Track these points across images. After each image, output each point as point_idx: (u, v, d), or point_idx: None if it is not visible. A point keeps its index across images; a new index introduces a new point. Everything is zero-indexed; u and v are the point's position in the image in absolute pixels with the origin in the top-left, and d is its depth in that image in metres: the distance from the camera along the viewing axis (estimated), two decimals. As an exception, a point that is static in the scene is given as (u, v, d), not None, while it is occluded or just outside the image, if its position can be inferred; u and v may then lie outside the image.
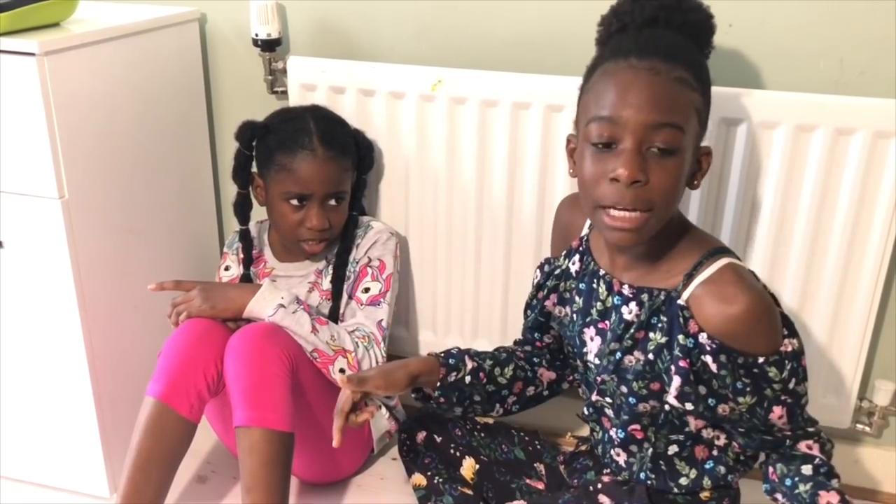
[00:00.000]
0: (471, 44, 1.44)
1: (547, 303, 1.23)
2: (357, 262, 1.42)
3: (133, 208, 1.43)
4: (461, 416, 1.34)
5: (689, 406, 1.05)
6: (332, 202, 1.37)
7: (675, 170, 0.98)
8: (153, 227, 1.49)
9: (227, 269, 1.49)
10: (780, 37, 1.29)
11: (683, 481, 1.14)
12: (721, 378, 1.02)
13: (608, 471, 1.21)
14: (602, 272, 1.13)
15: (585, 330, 1.15)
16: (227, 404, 1.23)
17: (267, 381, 1.20)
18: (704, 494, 1.15)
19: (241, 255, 1.47)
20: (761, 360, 1.00)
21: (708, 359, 1.01)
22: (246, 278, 1.45)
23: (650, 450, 1.14)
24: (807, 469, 1.07)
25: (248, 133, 1.39)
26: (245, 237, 1.47)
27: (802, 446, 1.08)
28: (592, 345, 1.15)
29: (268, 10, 1.46)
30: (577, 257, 1.18)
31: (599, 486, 1.17)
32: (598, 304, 1.13)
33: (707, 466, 1.14)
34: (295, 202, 1.36)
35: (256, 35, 1.48)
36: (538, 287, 1.24)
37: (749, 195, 1.32)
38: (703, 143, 1.05)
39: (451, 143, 1.42)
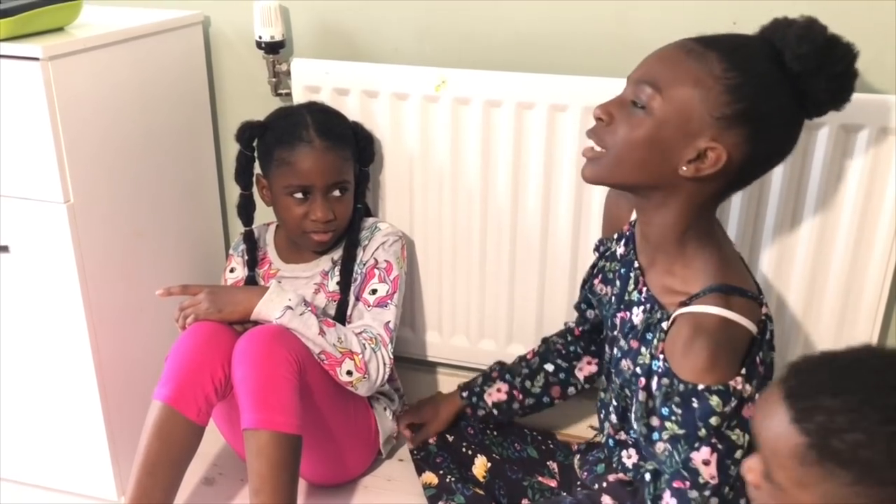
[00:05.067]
0: (474, 44, 1.44)
1: (595, 280, 1.26)
2: (364, 264, 1.42)
3: (138, 212, 1.43)
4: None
5: (634, 425, 1.05)
6: (336, 193, 1.38)
7: None
8: (158, 230, 1.49)
9: (232, 271, 1.49)
10: (785, 34, 1.29)
11: None
12: (654, 398, 1.00)
13: (615, 466, 1.20)
14: (637, 264, 1.13)
15: (618, 314, 1.15)
16: (235, 407, 1.23)
17: (275, 383, 1.20)
18: None
19: (246, 258, 1.47)
20: (701, 386, 0.95)
21: (654, 379, 1.00)
22: (250, 280, 1.45)
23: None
24: None
25: (248, 133, 1.40)
26: (249, 238, 1.47)
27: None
28: (619, 330, 1.15)
29: (271, 13, 1.46)
30: (623, 242, 1.19)
31: (604, 484, 1.17)
32: (627, 293, 1.13)
33: None
34: (298, 195, 1.36)
35: (260, 37, 1.48)
36: (592, 266, 1.28)
37: (754, 193, 1.31)
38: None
39: (456, 143, 1.42)
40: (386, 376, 1.35)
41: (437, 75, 1.39)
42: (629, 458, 1.16)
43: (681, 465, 0.96)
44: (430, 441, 1.39)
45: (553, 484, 1.32)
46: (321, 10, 1.50)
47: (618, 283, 1.17)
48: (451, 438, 1.38)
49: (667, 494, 0.98)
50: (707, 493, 0.95)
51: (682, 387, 0.96)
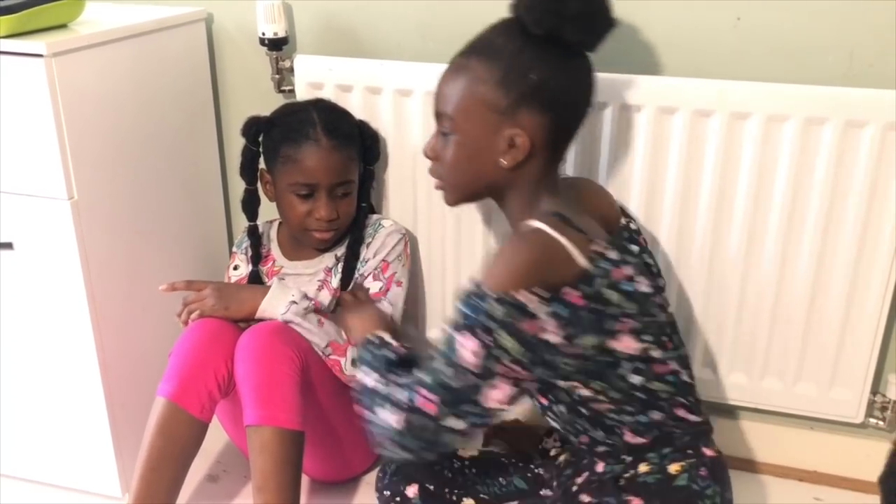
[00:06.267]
0: (477, 40, 1.43)
1: None
2: (367, 261, 1.42)
3: (142, 208, 1.43)
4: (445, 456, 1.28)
5: None
6: (340, 192, 1.38)
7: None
8: (162, 226, 1.50)
9: (235, 268, 1.48)
10: (789, 30, 1.28)
11: (595, 436, 1.12)
12: None
13: (585, 463, 1.18)
14: None
15: None
16: (238, 404, 1.23)
17: (277, 379, 1.20)
18: (674, 468, 1.10)
19: (250, 253, 1.47)
20: (485, 288, 0.97)
21: None
22: (255, 275, 1.45)
23: (562, 408, 1.11)
24: None
25: (254, 128, 1.40)
26: (253, 233, 1.48)
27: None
28: None
29: (274, 9, 1.46)
30: None
31: (579, 481, 1.16)
32: None
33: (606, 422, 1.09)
34: (303, 193, 1.36)
35: (263, 34, 1.48)
36: None
37: (759, 189, 1.31)
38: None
39: (459, 140, 1.42)
40: (389, 373, 1.36)
41: (440, 72, 1.38)
42: (551, 422, 1.17)
43: (445, 347, 0.99)
44: (410, 495, 1.25)
45: None
46: (324, 6, 1.50)
47: None
48: (432, 488, 1.26)
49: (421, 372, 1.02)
50: (478, 382, 0.98)
51: (471, 285, 0.99)
